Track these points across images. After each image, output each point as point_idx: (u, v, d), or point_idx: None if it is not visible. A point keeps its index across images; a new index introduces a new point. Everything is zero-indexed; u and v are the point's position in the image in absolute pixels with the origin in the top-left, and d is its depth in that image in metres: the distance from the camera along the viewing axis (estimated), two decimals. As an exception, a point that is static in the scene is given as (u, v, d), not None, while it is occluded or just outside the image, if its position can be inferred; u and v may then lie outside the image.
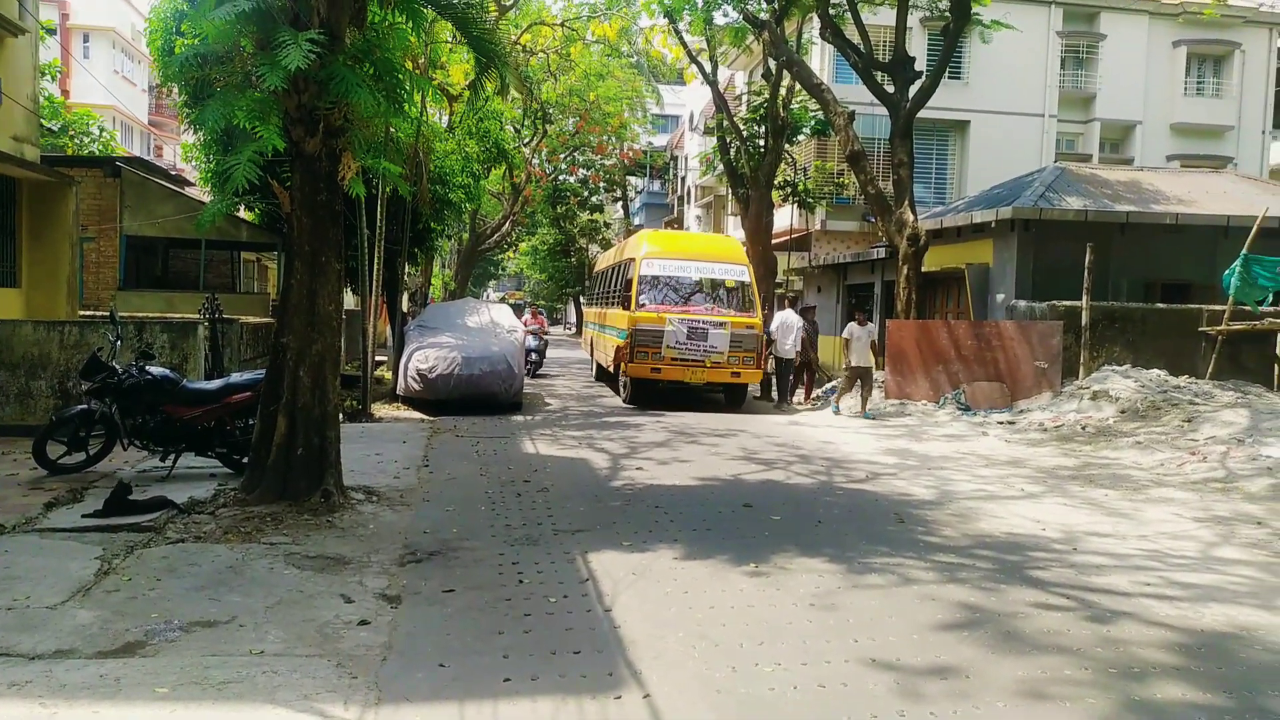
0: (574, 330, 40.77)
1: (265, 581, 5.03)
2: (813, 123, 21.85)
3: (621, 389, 14.33)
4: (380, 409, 12.41)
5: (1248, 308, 13.72)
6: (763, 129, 20.52)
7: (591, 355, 19.50)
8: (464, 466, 8.66)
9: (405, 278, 16.57)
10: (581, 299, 34.98)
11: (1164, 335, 14.40)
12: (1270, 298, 13.86)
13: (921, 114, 15.45)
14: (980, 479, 8.87)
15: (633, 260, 14.58)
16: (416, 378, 12.26)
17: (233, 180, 6.19)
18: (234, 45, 6.70)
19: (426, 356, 12.37)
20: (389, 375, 15.33)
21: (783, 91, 19.44)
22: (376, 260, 12.05)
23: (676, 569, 5.54)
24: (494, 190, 30.24)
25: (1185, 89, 27.04)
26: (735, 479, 8.50)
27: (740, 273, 14.55)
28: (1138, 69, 26.57)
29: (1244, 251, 13.48)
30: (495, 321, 14.39)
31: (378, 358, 14.89)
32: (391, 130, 11.11)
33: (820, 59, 24.26)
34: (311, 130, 6.68)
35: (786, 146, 21.48)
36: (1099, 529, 6.92)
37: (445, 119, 17.51)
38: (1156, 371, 13.30)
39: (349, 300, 17.48)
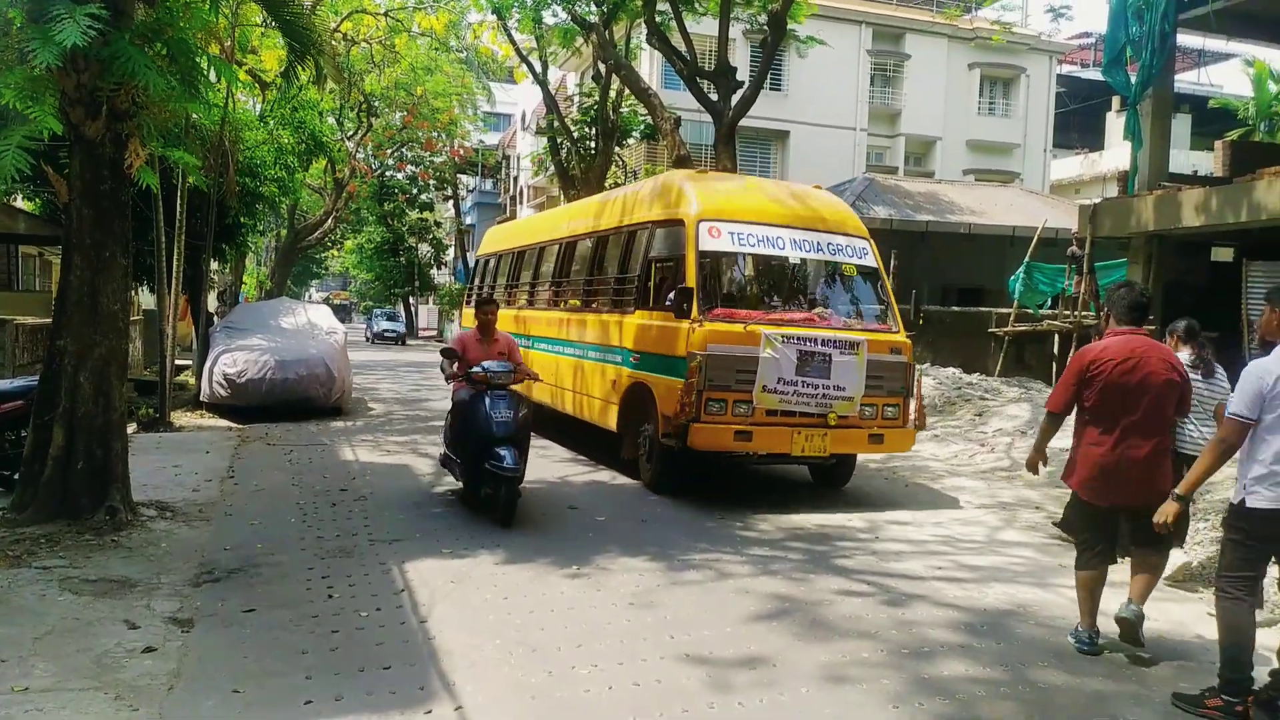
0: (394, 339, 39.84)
1: (34, 610, 4.54)
2: (642, 127, 22.16)
3: (643, 463, 8.03)
4: (181, 417, 11.53)
5: (1030, 310, 15.07)
6: (593, 131, 20.64)
7: None
8: (274, 477, 8.17)
9: (212, 275, 15.49)
10: (472, 293, 27.22)
11: (959, 336, 15.60)
12: (1049, 301, 15.30)
13: (745, 123, 15.98)
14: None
15: (669, 224, 8.01)
16: (223, 383, 11.48)
17: (0, 168, 5.55)
18: (1, 17, 6.03)
19: (235, 360, 11.61)
20: (193, 381, 14.29)
21: (612, 94, 19.62)
22: (177, 256, 11.18)
23: (497, 575, 5.45)
24: (315, 185, 28.89)
25: (979, 108, 29.43)
26: (562, 480, 8.47)
27: (863, 251, 8.14)
28: (938, 88, 28.65)
29: (1027, 259, 14.81)
30: (313, 323, 13.69)
31: (179, 362, 13.85)
32: (194, 117, 10.35)
33: (649, 64, 24.67)
34: (93, 113, 6.11)
35: (617, 149, 21.71)
36: (899, 518, 7.38)
37: (259, 107, 16.52)
38: (953, 369, 14.37)
39: (146, 300, 16.17)
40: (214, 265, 15.74)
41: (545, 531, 6.51)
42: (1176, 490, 4.01)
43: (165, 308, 11.30)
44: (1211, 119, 28.16)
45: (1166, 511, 4.00)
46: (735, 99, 14.70)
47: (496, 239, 14.53)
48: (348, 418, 12.37)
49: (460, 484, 7.23)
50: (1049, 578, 5.85)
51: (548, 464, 9.27)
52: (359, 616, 4.65)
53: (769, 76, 16.66)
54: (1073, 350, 6.87)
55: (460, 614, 4.74)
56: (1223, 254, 13.37)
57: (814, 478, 8.66)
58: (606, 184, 19.35)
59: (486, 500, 6.72)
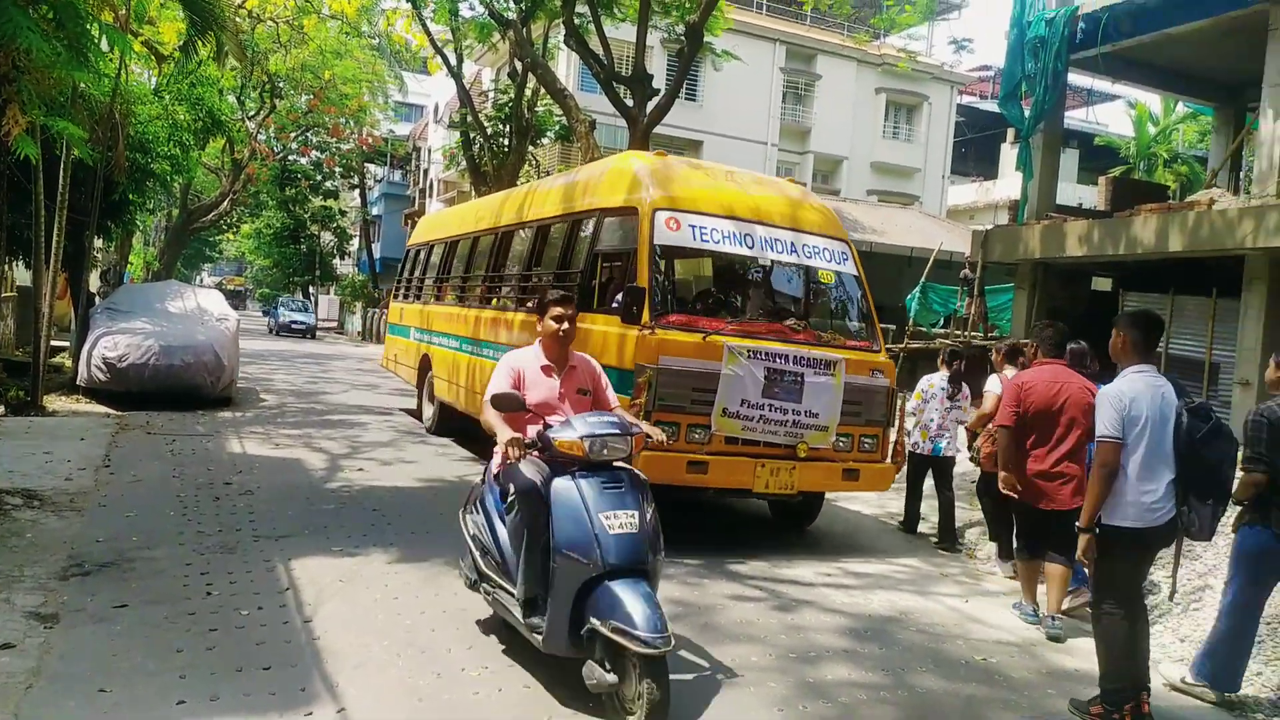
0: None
1: (-124, 604, 4.21)
2: (557, 127, 22.10)
3: None
4: (55, 401, 10.88)
5: (924, 329, 15.66)
6: (508, 128, 20.46)
7: (422, 389, 11.39)
8: (154, 467, 7.79)
9: (95, 254, 14.67)
10: (400, 284, 20.29)
11: (858, 350, 16.04)
12: (941, 320, 15.93)
13: (659, 130, 16.12)
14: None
15: (620, 213, 6.94)
16: (103, 366, 10.88)
17: None
18: None
19: (116, 343, 11.02)
20: (70, 363, 13.51)
21: (528, 93, 19.50)
22: (57, 231, 10.54)
23: (389, 574, 5.33)
24: (212, 165, 27.74)
25: (884, 132, 30.44)
26: (460, 480, 8.35)
27: (843, 255, 7.16)
28: (846, 109, 29.52)
29: (923, 280, 15.39)
30: (204, 308, 13.11)
31: (56, 343, 13.07)
32: (81, 86, 9.79)
33: (566, 65, 24.62)
34: (-33, 74, 5.73)
35: (531, 148, 21.57)
36: (792, 525, 7.54)
37: (153, 80, 15.75)
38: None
39: (21, 276, 15.22)
40: (98, 243, 14.90)
41: (441, 531, 6.39)
42: (1079, 524, 4.09)
43: (42, 285, 10.65)
44: (1096, 155, 29.90)
45: (1081, 546, 4.06)
46: (651, 106, 14.81)
47: (430, 227, 13.36)
48: (237, 408, 11.90)
49: (525, 630, 3.94)
50: (929, 586, 6.09)
51: (447, 462, 9.14)
52: (239, 615, 4.48)
53: (684, 86, 16.84)
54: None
55: (348, 613, 4.62)
56: (1102, 284, 14.22)
57: (774, 515, 7.63)
58: (519, 182, 19.20)
59: (597, 686, 3.58)
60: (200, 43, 8.83)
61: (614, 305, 6.66)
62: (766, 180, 7.71)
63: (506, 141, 20.40)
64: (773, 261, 7.12)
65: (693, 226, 6.55)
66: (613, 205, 7.03)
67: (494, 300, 9.31)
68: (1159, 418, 3.99)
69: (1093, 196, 23.47)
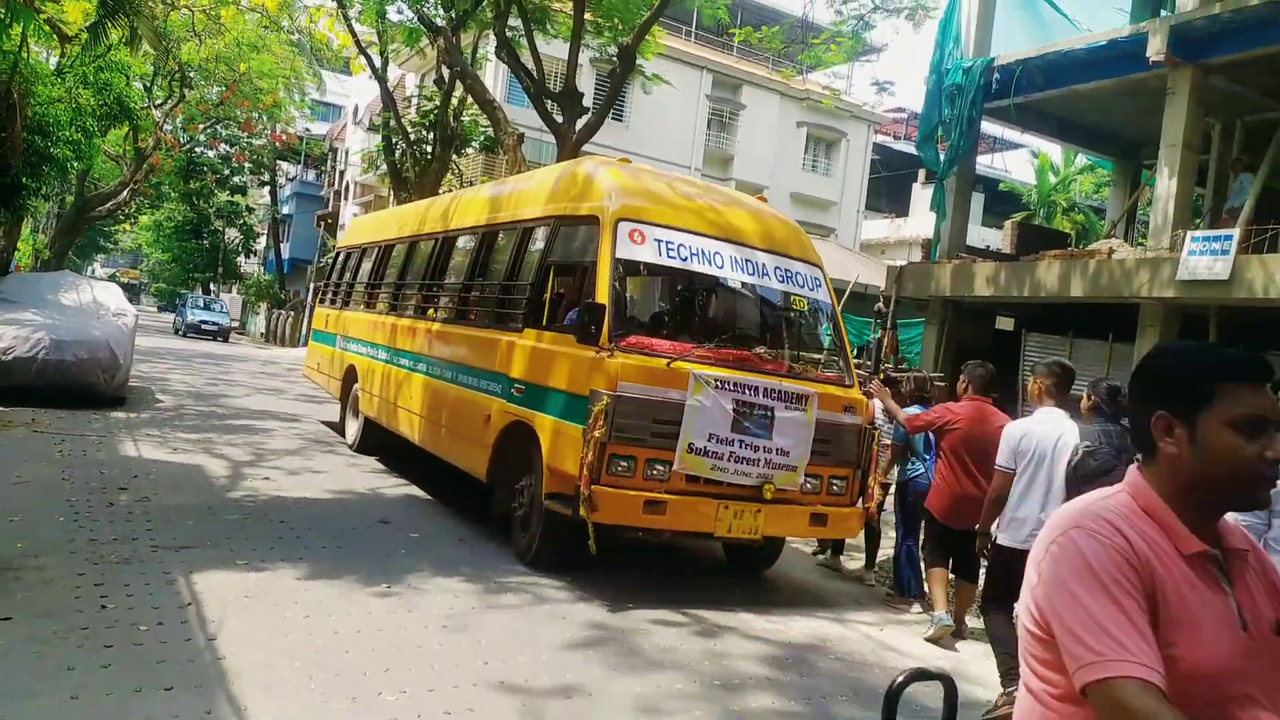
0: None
1: None
2: (483, 138, 21.85)
3: (516, 526, 6.42)
4: (-71, 394, 10.11)
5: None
6: (432, 135, 20.13)
7: (346, 402, 10.60)
8: (40, 469, 7.29)
9: (-18, 238, 13.77)
10: (324, 287, 17.30)
11: (773, 376, 16.28)
12: (855, 350, 16.30)
13: (586, 148, 16.13)
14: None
15: (578, 221, 6.45)
16: (-15, 359, 10.17)
17: None
18: None
19: (2, 334, 10.32)
20: (-54, 353, 12.59)
21: (454, 101, 19.23)
22: (-59, 212, 9.85)
23: (298, 590, 5.10)
24: (113, 152, 26.42)
25: (804, 164, 31.20)
26: (373, 493, 8.09)
27: (815, 281, 6.76)
28: (769, 140, 30.15)
29: (838, 311, 15.72)
30: (100, 301, 12.41)
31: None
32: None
33: (495, 77, 24.43)
34: None
35: (455, 157, 21.26)
36: (712, 550, 7.55)
37: (54, 61, 14.93)
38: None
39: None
40: (-16, 227, 13.99)
41: (353, 546, 6.17)
42: (978, 526, 4.99)
43: (-80, 269, 9.90)
44: (1000, 200, 31.30)
45: (978, 544, 5.03)
46: (580, 123, 14.79)
47: (364, 229, 12.48)
48: (131, 409, 11.29)
49: None
50: (846, 613, 6.17)
51: (359, 473, 8.85)
52: (138, 631, 4.21)
53: (613, 106, 16.90)
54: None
55: (255, 632, 4.39)
56: (1005, 323, 14.82)
57: (729, 558, 7.08)
58: (440, 190, 18.89)
59: None
60: (111, 25, 8.44)
61: (567, 322, 6.26)
62: (738, 197, 7.34)
63: (430, 149, 20.05)
64: (743, 284, 6.62)
65: (658, 241, 6.05)
66: (571, 213, 6.49)
67: (432, 311, 8.65)
68: (1051, 455, 4.57)
69: (997, 238, 24.53)
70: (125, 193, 28.23)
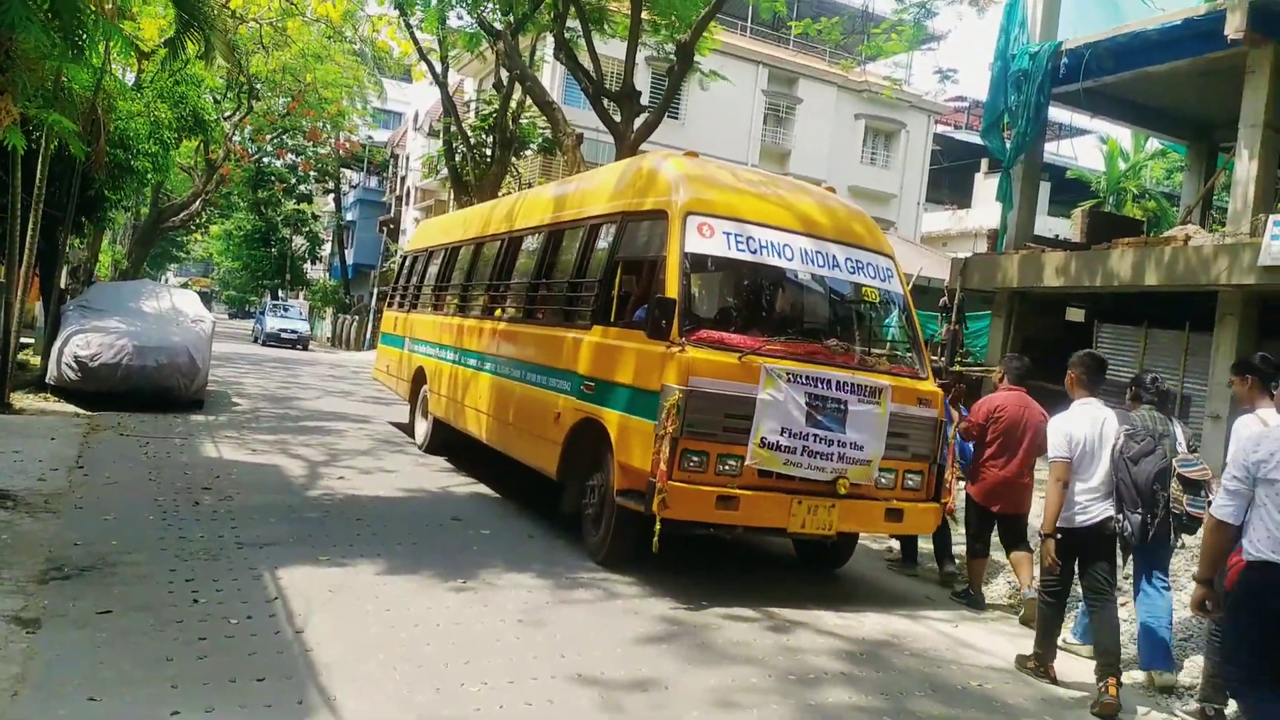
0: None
1: None
2: (540, 140, 22.07)
3: (587, 524, 6.42)
4: (22, 399, 10.59)
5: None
6: (491, 139, 20.40)
7: (415, 404, 10.76)
8: (129, 470, 7.61)
9: (66, 250, 14.37)
10: (391, 292, 12.74)
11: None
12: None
13: (644, 146, 16.16)
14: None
15: (646, 217, 6.44)
16: (74, 365, 10.63)
17: None
18: None
19: (89, 341, 10.77)
20: (36, 360, 13.18)
21: (513, 104, 19.46)
22: (32, 226, 10.30)
23: (378, 585, 5.23)
24: (185, 164, 27.33)
25: (862, 157, 30.80)
26: (444, 491, 8.25)
27: (887, 272, 6.66)
28: (826, 133, 29.84)
29: (912, 305, 15.48)
30: (178, 308, 12.88)
31: (23, 340, 12.74)
32: (64, 79, 9.59)
33: (551, 77, 24.63)
34: (-41, 61, 5.59)
35: (514, 160, 21.51)
36: (780, 544, 7.52)
37: (131, 77, 15.50)
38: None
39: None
40: (71, 239, 14.59)
41: (428, 542, 6.30)
42: (1042, 530, 4.94)
43: (15, 280, 10.38)
44: (1067, 188, 30.46)
45: (1047, 550, 4.89)
46: (638, 122, 14.84)
47: (430, 233, 12.53)
48: (209, 411, 11.68)
49: None
50: (919, 610, 6.10)
51: (428, 473, 9.02)
52: (228, 624, 4.37)
53: (670, 104, 16.90)
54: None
55: (340, 626, 4.52)
56: (1075, 314, 14.45)
57: (800, 554, 7.06)
58: (500, 193, 19.13)
59: None
60: (188, 41, 8.71)
61: (636, 318, 6.25)
62: (806, 187, 7.23)
63: (490, 152, 20.32)
64: (813, 275, 6.53)
65: (727, 234, 6.00)
66: (638, 208, 6.47)
67: (499, 311, 8.71)
68: (1098, 440, 4.84)
69: (1063, 228, 23.90)
70: (197, 203, 29.22)
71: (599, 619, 5.06)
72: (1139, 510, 4.69)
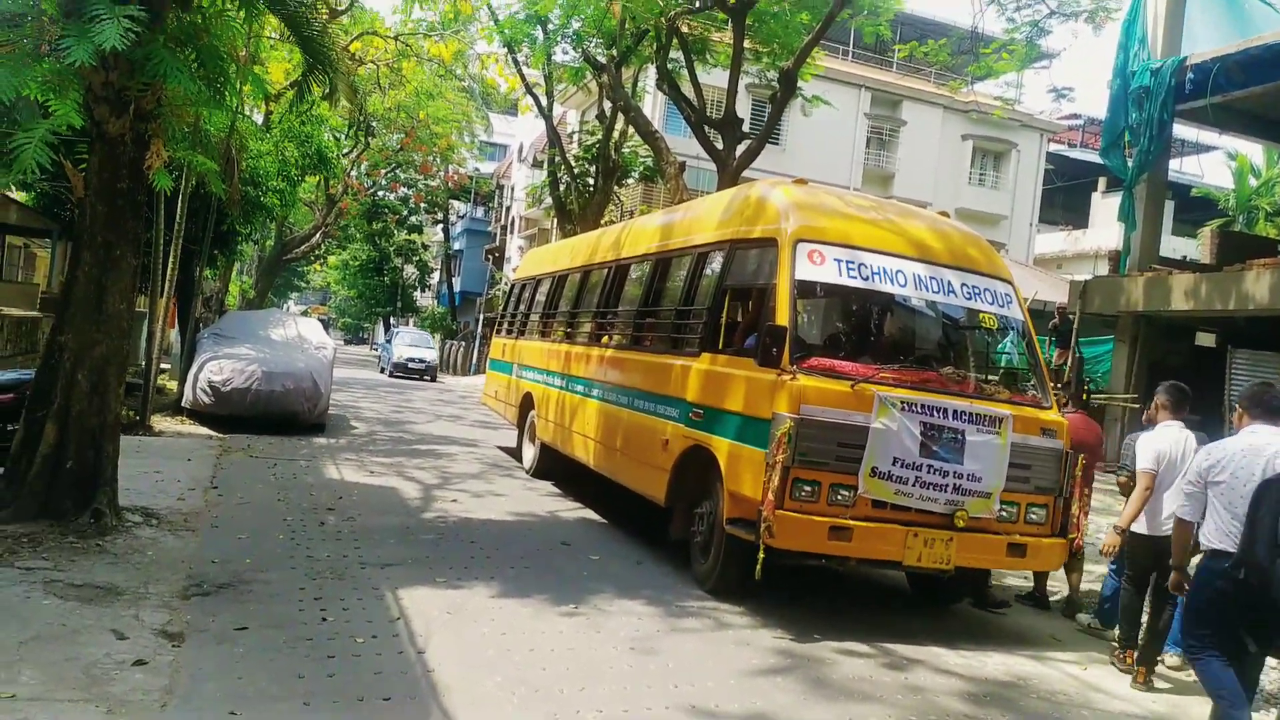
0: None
1: (19, 613, 4.38)
2: (642, 168, 22.36)
3: (695, 551, 6.40)
4: (161, 422, 11.30)
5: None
6: (594, 168, 20.78)
7: (523, 429, 10.99)
8: (259, 490, 8.01)
9: (202, 282, 15.33)
10: (501, 319, 14.31)
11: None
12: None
13: (746, 173, 16.19)
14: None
15: (754, 245, 6.45)
16: (208, 389, 11.29)
17: (21, 161, 5.45)
18: (31, 5, 5.98)
19: (221, 367, 11.43)
20: (172, 385, 14.05)
21: (616, 134, 19.79)
22: (172, 259, 11.05)
23: (493, 608, 5.34)
24: (306, 199, 28.81)
25: (970, 178, 30.04)
26: (552, 515, 8.38)
27: (1006, 298, 6.49)
28: (931, 155, 29.25)
29: (1033, 332, 14.94)
30: (303, 336, 13.55)
31: (161, 365, 13.61)
32: (202, 122, 10.29)
33: (653, 107, 24.98)
34: (119, 111, 6.05)
35: (616, 188, 21.84)
36: (887, 572, 7.33)
37: (260, 117, 16.48)
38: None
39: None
40: (205, 271, 15.57)
41: (539, 566, 6.40)
42: (1118, 525, 5.56)
43: (157, 310, 11.13)
44: (1192, 207, 28.94)
45: (1113, 542, 5.57)
46: (740, 149, 14.88)
47: (537, 261, 12.72)
48: (330, 435, 12.20)
49: None
50: (1044, 651, 5.83)
51: (536, 497, 9.18)
52: (355, 643, 4.53)
53: (772, 130, 16.90)
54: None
55: (458, 647, 4.63)
56: (1206, 339, 13.65)
57: (914, 589, 6.86)
58: (603, 221, 19.46)
59: None
60: (313, 83, 9.22)
61: (746, 346, 6.21)
62: (917, 212, 7.21)
63: (592, 181, 20.70)
64: (927, 302, 6.39)
65: (838, 261, 5.94)
66: (747, 236, 6.48)
67: (606, 338, 8.80)
68: (1180, 459, 5.30)
69: (1190, 248, 22.65)
70: (317, 235, 30.71)
71: (710, 648, 5.03)
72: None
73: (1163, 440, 5.43)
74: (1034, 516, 5.85)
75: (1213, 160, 31.94)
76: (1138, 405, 9.48)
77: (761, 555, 5.33)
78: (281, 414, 11.58)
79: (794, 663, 4.95)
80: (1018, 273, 19.99)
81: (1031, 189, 30.59)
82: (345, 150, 27.66)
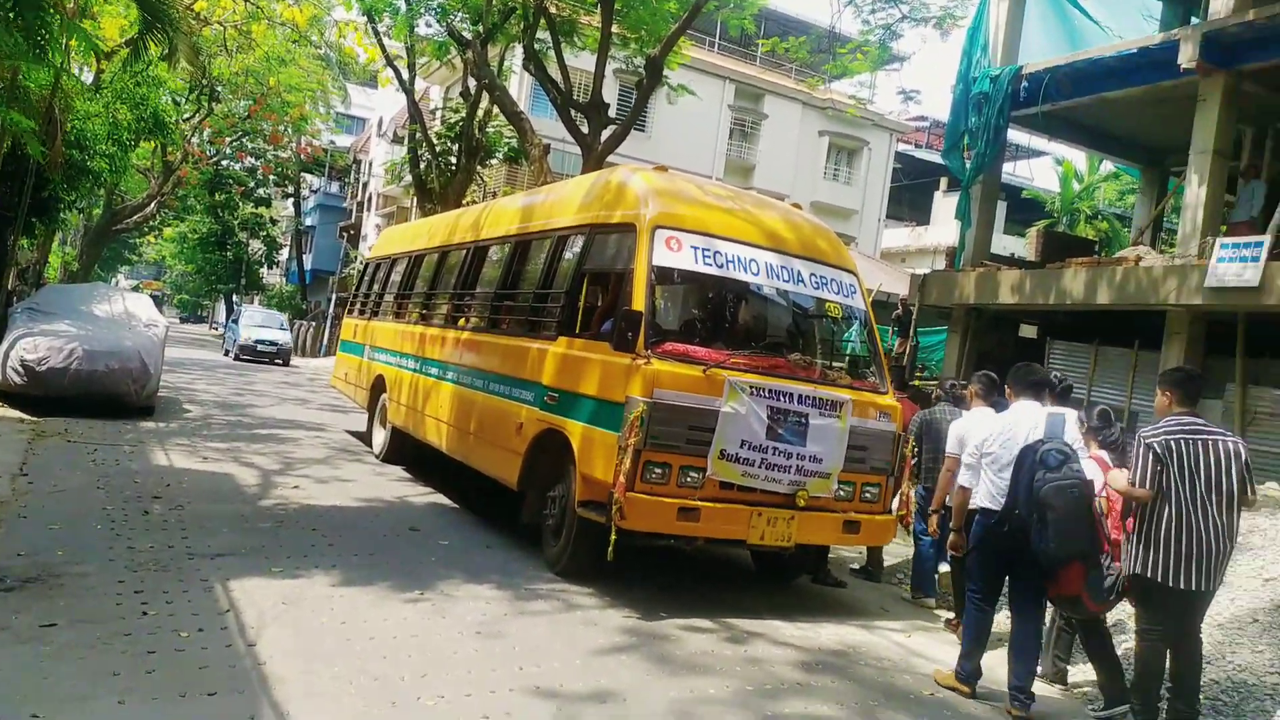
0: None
1: None
2: (507, 149, 22.04)
3: (546, 534, 6.42)
4: (-34, 403, 10.30)
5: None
6: (456, 147, 20.31)
7: (373, 412, 10.70)
8: (76, 477, 7.42)
9: (16, 251, 14.01)
10: (354, 298, 13.96)
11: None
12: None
13: (611, 158, 16.20)
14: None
15: (614, 230, 6.48)
16: (20, 369, 10.34)
17: None
18: None
19: (36, 345, 10.49)
20: (-18, 363, 12.81)
21: (480, 113, 19.41)
22: (-19, 225, 10.06)
23: (334, 597, 5.15)
24: (141, 165, 26.84)
25: (826, 173, 31.18)
26: (401, 501, 8.16)
27: (850, 288, 6.79)
28: (790, 149, 30.17)
29: (874, 320, 15.66)
30: (130, 312, 12.60)
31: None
32: (19, 77, 9.38)
33: (520, 87, 24.64)
34: (-92, 56, 5.44)
35: (479, 168, 21.44)
36: (731, 552, 7.55)
37: (89, 76, 15.21)
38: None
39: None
40: (22, 241, 14.24)
41: (385, 553, 6.23)
42: (933, 507, 6.31)
43: (-39, 281, 10.11)
44: (1023, 208, 31.11)
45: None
46: (605, 134, 14.88)
47: (394, 240, 12.37)
48: (160, 418, 11.43)
49: None
50: (874, 621, 6.16)
51: (385, 482, 8.92)
52: (179, 637, 4.27)
53: (638, 117, 16.99)
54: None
55: (294, 638, 4.44)
56: (1029, 331, 14.72)
57: (757, 566, 7.16)
58: (465, 201, 19.06)
59: None
60: (150, 42, 8.58)
61: (602, 331, 6.29)
62: (772, 203, 7.37)
63: (455, 160, 20.24)
64: (778, 290, 6.64)
65: (695, 248, 6.07)
66: (607, 221, 6.51)
67: (463, 320, 8.64)
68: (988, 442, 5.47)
69: (1019, 246, 24.37)
70: (152, 205, 28.72)
71: (558, 630, 5.04)
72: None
73: (971, 425, 5.66)
74: (868, 495, 6.18)
75: (1042, 165, 34.43)
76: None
77: (613, 537, 5.40)
78: (105, 396, 10.76)
79: (640, 640, 5.02)
80: (866, 265, 20.97)
81: (881, 186, 32.06)
82: (186, 115, 25.94)
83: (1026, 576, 4.86)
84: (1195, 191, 10.96)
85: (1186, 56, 10.58)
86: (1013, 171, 32.51)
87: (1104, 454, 5.22)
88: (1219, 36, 10.48)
